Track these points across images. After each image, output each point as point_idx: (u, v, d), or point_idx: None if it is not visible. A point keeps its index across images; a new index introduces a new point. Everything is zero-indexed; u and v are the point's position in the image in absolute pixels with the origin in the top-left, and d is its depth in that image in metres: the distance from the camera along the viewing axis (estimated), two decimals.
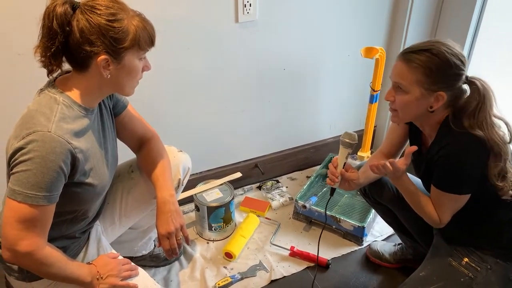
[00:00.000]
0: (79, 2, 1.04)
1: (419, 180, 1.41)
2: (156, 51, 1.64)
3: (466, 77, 1.20)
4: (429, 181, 1.30)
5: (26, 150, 0.98)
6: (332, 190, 1.44)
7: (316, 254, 1.64)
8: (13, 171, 1.00)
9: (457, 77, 1.18)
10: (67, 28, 1.01)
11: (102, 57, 1.03)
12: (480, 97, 1.18)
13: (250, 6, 1.72)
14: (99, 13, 1.01)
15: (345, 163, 1.38)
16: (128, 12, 1.05)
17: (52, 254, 1.08)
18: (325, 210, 1.61)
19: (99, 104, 1.19)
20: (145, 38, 1.07)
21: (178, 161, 1.46)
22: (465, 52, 1.97)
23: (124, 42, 1.03)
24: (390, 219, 1.63)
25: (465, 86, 1.21)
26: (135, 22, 1.05)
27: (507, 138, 1.20)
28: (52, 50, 1.02)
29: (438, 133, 1.25)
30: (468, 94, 1.21)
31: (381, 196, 1.55)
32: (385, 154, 1.52)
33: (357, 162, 2.13)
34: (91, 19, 1.00)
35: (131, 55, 1.07)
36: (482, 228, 1.31)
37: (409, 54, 1.18)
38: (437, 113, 1.23)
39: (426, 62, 1.15)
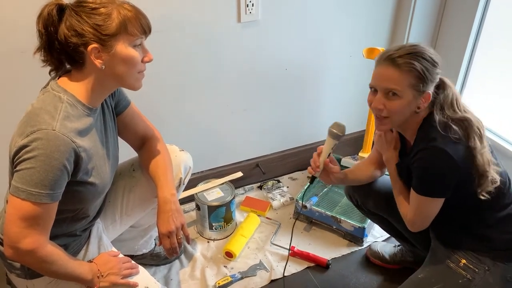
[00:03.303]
0: (68, 4, 1.06)
1: None
2: (158, 50, 1.65)
3: None
4: (410, 185, 1.32)
5: (30, 148, 0.98)
6: (312, 179, 1.43)
7: (313, 254, 1.67)
8: (17, 168, 1.00)
9: (437, 76, 1.23)
10: (51, 28, 1.04)
11: (92, 46, 1.03)
12: (452, 88, 1.26)
13: (253, 6, 1.72)
14: (84, 5, 1.03)
15: (329, 154, 1.37)
16: (114, 2, 1.05)
17: (54, 252, 1.08)
18: (302, 200, 1.62)
19: (101, 103, 1.19)
20: (133, 24, 1.05)
21: (179, 160, 1.46)
22: (467, 53, 1.99)
23: (110, 28, 1.03)
24: (386, 227, 1.64)
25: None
26: (121, 9, 1.04)
27: None
28: (43, 50, 1.07)
29: (417, 136, 1.27)
30: (434, 90, 1.25)
31: (373, 206, 1.56)
32: (373, 162, 1.53)
33: (357, 162, 2.13)
34: (77, 13, 1.03)
35: (121, 42, 1.05)
36: (472, 231, 1.32)
37: (396, 59, 1.19)
38: (420, 113, 1.25)
39: (415, 64, 1.18)
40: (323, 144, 1.39)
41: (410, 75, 1.18)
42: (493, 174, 1.22)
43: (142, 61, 1.11)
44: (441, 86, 1.25)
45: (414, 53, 1.18)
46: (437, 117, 1.22)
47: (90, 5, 1.03)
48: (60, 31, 1.04)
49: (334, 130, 1.32)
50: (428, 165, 1.21)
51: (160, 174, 1.32)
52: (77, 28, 1.02)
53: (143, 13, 1.08)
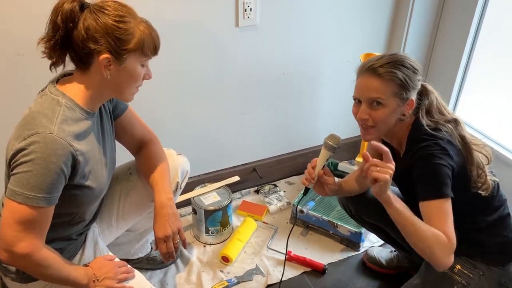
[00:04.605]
0: (89, 3, 1.05)
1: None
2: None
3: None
4: (408, 192, 1.30)
5: (27, 151, 0.98)
6: (306, 190, 1.41)
7: (309, 259, 1.67)
8: (14, 172, 1.00)
9: (419, 82, 1.25)
10: (70, 25, 1.03)
11: (105, 55, 1.03)
12: (435, 93, 1.28)
13: (251, 10, 1.73)
14: (107, 13, 1.03)
15: (324, 165, 1.36)
16: (135, 17, 1.07)
17: (49, 256, 1.08)
18: (296, 207, 1.64)
19: (100, 107, 1.19)
20: (149, 44, 1.08)
21: (177, 164, 1.46)
22: (464, 57, 2.00)
23: (129, 44, 1.04)
24: (381, 235, 1.63)
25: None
26: (141, 27, 1.07)
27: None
28: (52, 42, 1.05)
29: (408, 141, 1.27)
30: (419, 96, 1.27)
31: (368, 215, 1.56)
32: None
33: (354, 168, 2.13)
34: (99, 18, 1.02)
35: (133, 58, 1.07)
36: (464, 237, 1.32)
37: (377, 69, 1.20)
38: (405, 120, 1.26)
39: (396, 73, 1.19)
40: (320, 148, 1.39)
41: (392, 83, 1.20)
42: (489, 175, 1.24)
43: (143, 78, 1.14)
44: (423, 92, 1.27)
45: (394, 62, 1.20)
46: (424, 121, 1.23)
47: (113, 14, 1.03)
48: (78, 31, 1.03)
49: (330, 142, 1.31)
50: (429, 164, 1.17)
51: (157, 178, 1.31)
52: (96, 34, 1.02)
53: (158, 34, 1.12)
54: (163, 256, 1.29)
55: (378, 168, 1.11)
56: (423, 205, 1.17)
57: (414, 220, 1.14)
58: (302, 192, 1.44)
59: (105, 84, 1.09)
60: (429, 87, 1.29)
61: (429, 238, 1.12)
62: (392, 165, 1.11)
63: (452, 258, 1.14)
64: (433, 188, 1.16)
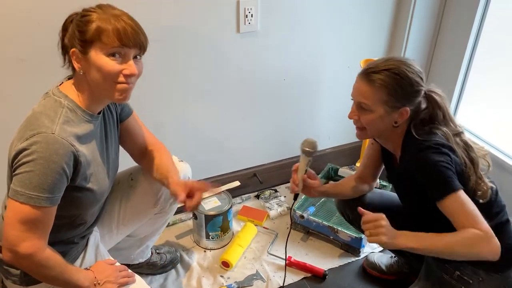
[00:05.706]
0: None
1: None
2: (158, 59, 1.67)
3: (425, 91, 1.25)
4: (407, 194, 1.31)
5: (29, 152, 0.99)
6: (295, 196, 1.45)
7: (310, 264, 1.68)
8: (16, 172, 1.00)
9: (417, 94, 1.22)
10: (64, 32, 1.09)
11: (72, 49, 1.05)
12: (442, 106, 1.25)
13: (252, 16, 1.74)
14: (83, 13, 1.06)
15: (306, 170, 1.38)
16: (106, 11, 1.04)
17: (52, 257, 1.08)
18: (291, 211, 1.69)
19: (104, 111, 1.19)
20: (108, 32, 1.00)
21: (179, 170, 1.46)
22: (464, 66, 2.00)
23: (87, 34, 1.02)
24: None
25: (422, 99, 1.25)
26: (104, 16, 1.02)
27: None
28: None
29: (403, 147, 1.28)
30: (424, 106, 1.25)
31: None
32: (360, 176, 1.55)
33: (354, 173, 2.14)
34: (76, 18, 1.06)
35: (96, 49, 1.02)
36: None
37: (370, 74, 1.21)
38: (400, 126, 1.26)
39: (388, 81, 1.19)
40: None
41: (381, 91, 1.20)
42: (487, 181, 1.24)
43: (122, 73, 1.05)
44: (429, 101, 1.25)
45: (389, 70, 1.20)
46: (414, 130, 1.23)
47: (86, 12, 1.05)
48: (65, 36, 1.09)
49: (306, 148, 1.34)
50: (431, 166, 1.17)
51: (165, 172, 1.33)
52: (69, 34, 1.06)
53: (133, 26, 1.03)
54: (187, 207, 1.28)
55: (370, 231, 1.16)
56: (441, 205, 1.16)
57: (441, 241, 1.14)
58: (293, 198, 1.47)
59: (88, 83, 1.08)
60: (437, 97, 1.25)
61: (466, 245, 1.12)
62: (380, 218, 1.16)
63: (495, 242, 1.12)
64: (442, 187, 1.15)
